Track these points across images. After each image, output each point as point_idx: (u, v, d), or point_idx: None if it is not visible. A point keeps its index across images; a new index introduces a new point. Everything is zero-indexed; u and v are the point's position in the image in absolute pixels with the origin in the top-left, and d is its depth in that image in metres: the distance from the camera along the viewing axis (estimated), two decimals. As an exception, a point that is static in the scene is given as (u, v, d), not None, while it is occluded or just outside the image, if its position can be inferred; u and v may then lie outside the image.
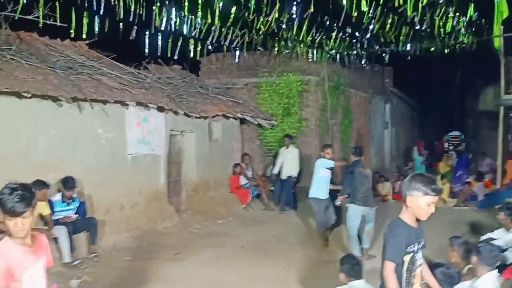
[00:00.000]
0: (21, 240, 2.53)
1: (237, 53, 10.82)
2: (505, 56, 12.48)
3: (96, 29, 7.42)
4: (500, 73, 12.62)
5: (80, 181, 7.15)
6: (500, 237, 6.05)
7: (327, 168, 7.88)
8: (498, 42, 11.34)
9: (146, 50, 8.56)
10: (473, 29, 9.88)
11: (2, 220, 2.48)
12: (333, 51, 10.93)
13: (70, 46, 8.89)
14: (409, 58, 10.71)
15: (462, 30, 9.15)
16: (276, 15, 8.35)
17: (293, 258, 7.27)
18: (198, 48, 9.11)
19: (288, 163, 11.08)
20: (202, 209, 9.88)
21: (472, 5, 7.77)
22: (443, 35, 9.26)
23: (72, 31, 7.08)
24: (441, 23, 8.27)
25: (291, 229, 9.26)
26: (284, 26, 9.36)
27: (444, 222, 9.81)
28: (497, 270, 4.12)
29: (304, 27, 9.29)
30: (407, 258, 2.95)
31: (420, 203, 2.91)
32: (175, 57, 9.06)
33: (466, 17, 8.12)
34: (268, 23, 8.68)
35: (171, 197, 9.58)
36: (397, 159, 20.25)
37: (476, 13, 7.95)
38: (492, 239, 6.12)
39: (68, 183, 6.72)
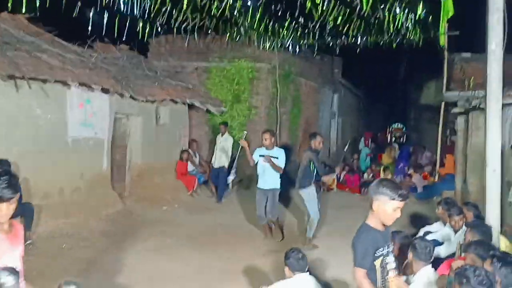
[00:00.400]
0: None
1: (188, 36, 10.55)
2: (448, 53, 12.92)
3: (37, 2, 6.96)
4: (443, 69, 13.08)
5: (16, 164, 6.75)
6: (437, 230, 6.28)
7: (260, 155, 7.64)
8: (443, 40, 11.71)
9: (91, 28, 8.15)
10: (421, 26, 10.14)
11: None
12: (285, 39, 10.89)
13: (7, 20, 8.32)
14: (358, 50, 10.87)
15: (410, 27, 9.36)
16: (231, 1, 8.17)
17: (238, 247, 7.26)
18: (147, 29, 8.78)
19: (221, 151, 10.83)
20: (147, 195, 9.66)
21: (421, 3, 7.94)
22: (392, 31, 9.44)
23: (9, 3, 6.60)
24: (391, 19, 8.41)
25: (237, 217, 9.24)
26: (237, 11, 9.20)
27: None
28: (431, 265, 4.24)
29: (258, 14, 9.17)
30: (377, 263, 2.97)
31: (386, 207, 2.93)
32: (123, 37, 8.68)
33: (415, 14, 8.30)
34: (221, 8, 8.48)
35: (115, 183, 9.29)
36: (343, 149, 20.64)
37: (424, 10, 8.14)
38: (430, 232, 6.37)
39: (2, 166, 6.33)
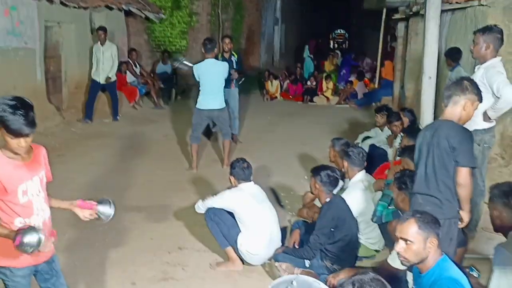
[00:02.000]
0: (13, 155, 2.40)
1: None
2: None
3: None
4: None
5: None
6: (375, 136, 6.58)
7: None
8: None
9: None
10: None
11: None
12: None
13: None
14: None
15: None
16: None
17: (183, 158, 7.30)
18: None
19: (105, 63, 9.19)
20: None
21: None
22: None
23: None
24: None
25: (181, 128, 9.20)
26: None
27: (327, 120, 10.44)
28: (365, 170, 4.48)
29: None
30: None
31: (473, 107, 3.09)
32: None
33: None
34: None
35: (51, 95, 8.87)
36: (286, 56, 20.59)
37: None
38: (368, 137, 6.67)
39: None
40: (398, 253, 2.55)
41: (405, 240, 2.51)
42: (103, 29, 9.14)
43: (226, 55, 7.58)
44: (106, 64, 9.22)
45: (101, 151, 7.44)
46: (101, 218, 2.74)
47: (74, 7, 8.79)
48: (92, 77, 9.34)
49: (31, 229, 2.34)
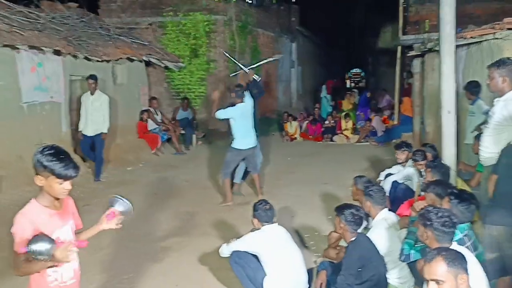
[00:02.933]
0: (50, 203, 2.54)
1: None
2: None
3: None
4: (398, 13, 13.19)
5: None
6: (397, 172, 6.53)
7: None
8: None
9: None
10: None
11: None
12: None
13: None
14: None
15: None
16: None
17: (206, 201, 7.34)
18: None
19: (93, 114, 8.49)
20: (110, 157, 9.53)
21: None
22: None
23: None
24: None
25: (203, 173, 9.28)
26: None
27: (347, 158, 10.42)
28: (387, 208, 4.43)
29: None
30: None
31: None
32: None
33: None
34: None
35: (76, 146, 9.11)
36: (304, 97, 20.80)
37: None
38: (390, 174, 6.62)
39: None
40: None
41: (436, 281, 2.44)
42: (93, 77, 8.42)
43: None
44: (94, 115, 8.46)
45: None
46: (126, 215, 2.81)
47: (97, 61, 9.14)
48: (81, 131, 8.57)
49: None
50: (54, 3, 9.96)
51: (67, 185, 2.48)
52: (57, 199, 2.55)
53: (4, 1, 8.39)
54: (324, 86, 17.66)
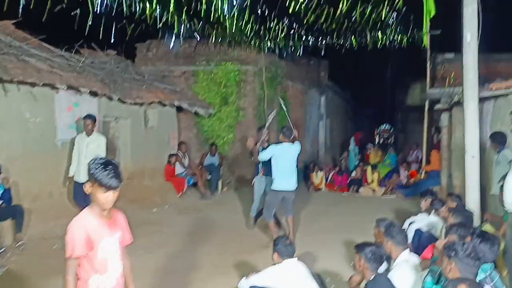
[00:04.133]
0: (100, 213, 2.72)
1: (174, 40, 10.64)
2: (431, 52, 13.21)
3: (21, 6, 6.98)
4: (426, 68, 13.37)
5: (6, 167, 6.80)
6: (422, 220, 6.43)
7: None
8: (426, 40, 11.97)
9: (78, 33, 8.19)
10: (404, 27, 10.41)
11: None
12: (271, 42, 11.06)
13: (-6, 25, 8.39)
14: (343, 51, 11.08)
15: (393, 25, 9.62)
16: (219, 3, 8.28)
17: (228, 244, 7.34)
18: (135, 33, 8.87)
19: (87, 158, 6.80)
20: (137, 198, 9.69)
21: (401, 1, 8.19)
22: (375, 30, 9.69)
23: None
24: (373, 17, 8.65)
25: (227, 217, 9.31)
26: (223, 14, 9.31)
27: (372, 210, 10.28)
28: (408, 249, 4.36)
29: (246, 16, 9.32)
30: None
31: None
32: (110, 42, 8.75)
33: (395, 12, 8.55)
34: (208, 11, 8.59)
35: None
36: (331, 150, 20.83)
37: (405, 7, 8.38)
38: (414, 222, 6.52)
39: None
40: None
41: None
42: (91, 117, 7.63)
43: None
44: (89, 159, 7.60)
45: (149, 238, 7.58)
46: None
47: (130, 103, 9.51)
48: (73, 178, 7.66)
49: None
50: (93, 50, 10.53)
51: (110, 195, 2.64)
52: (105, 210, 2.71)
53: (46, 45, 8.93)
54: (352, 138, 17.71)
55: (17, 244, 6.53)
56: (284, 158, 6.97)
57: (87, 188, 2.66)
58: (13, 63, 7.15)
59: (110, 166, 2.63)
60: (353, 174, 13.53)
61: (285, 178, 6.99)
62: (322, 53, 11.81)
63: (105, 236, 2.72)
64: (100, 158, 2.67)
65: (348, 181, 13.28)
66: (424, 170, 12.74)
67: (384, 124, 29.28)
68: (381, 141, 27.95)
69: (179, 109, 11.69)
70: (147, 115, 10.42)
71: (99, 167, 2.62)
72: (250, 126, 12.76)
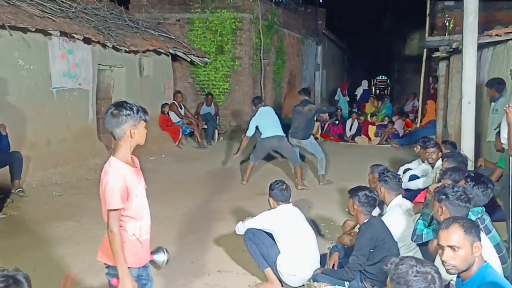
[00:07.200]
0: (126, 160, 2.65)
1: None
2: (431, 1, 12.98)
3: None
4: (426, 18, 13.16)
5: (0, 115, 6.75)
6: (416, 167, 6.52)
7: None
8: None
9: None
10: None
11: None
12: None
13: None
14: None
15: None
16: None
17: (225, 192, 7.45)
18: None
19: None
20: (133, 146, 9.73)
21: None
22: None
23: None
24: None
25: (224, 166, 9.40)
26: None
27: (368, 158, 10.37)
28: (401, 195, 4.43)
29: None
30: None
31: None
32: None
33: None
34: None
35: (101, 134, 9.33)
36: (327, 100, 20.80)
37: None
38: (409, 169, 6.61)
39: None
40: (444, 262, 2.50)
41: (452, 247, 2.46)
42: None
43: None
44: None
45: (146, 185, 7.67)
46: (157, 264, 2.94)
47: (125, 51, 9.36)
48: None
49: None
50: (86, -5, 10.23)
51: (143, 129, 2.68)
52: (129, 157, 2.69)
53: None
54: (338, 89, 17.71)
55: (17, 191, 6.58)
56: (263, 117, 7.82)
57: (135, 133, 2.62)
58: (4, 7, 6.96)
59: (131, 103, 2.64)
60: (348, 127, 13.53)
61: (269, 129, 7.80)
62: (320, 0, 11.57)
63: (137, 183, 2.68)
64: (125, 102, 2.65)
65: (344, 131, 13.38)
66: (421, 120, 12.78)
67: (381, 75, 29.16)
68: (377, 92, 27.89)
69: (174, 57, 11.53)
70: (142, 63, 10.28)
71: (140, 107, 2.64)
72: (246, 75, 12.66)
